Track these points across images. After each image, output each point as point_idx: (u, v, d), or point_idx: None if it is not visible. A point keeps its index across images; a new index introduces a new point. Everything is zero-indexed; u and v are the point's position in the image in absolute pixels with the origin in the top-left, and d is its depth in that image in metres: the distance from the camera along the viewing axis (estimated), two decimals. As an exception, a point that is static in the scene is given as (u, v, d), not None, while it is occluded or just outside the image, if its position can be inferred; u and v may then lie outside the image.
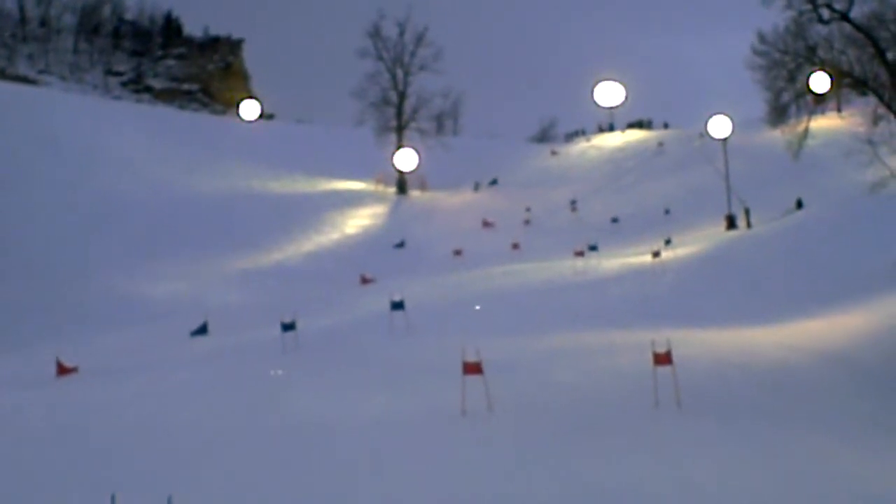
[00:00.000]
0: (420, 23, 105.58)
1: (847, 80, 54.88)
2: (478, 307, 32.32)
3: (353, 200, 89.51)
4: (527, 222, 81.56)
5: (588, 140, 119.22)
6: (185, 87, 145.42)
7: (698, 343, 29.92)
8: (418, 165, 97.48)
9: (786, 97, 60.61)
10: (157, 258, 65.74)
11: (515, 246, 67.95)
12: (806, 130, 60.36)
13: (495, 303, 43.90)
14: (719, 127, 72.39)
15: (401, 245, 74.70)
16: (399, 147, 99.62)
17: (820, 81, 56.54)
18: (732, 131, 72.48)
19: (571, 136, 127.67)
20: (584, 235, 65.20)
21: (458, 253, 66.67)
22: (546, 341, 32.69)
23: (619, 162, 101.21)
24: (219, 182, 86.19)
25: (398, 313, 38.67)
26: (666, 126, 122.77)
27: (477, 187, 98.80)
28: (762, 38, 60.52)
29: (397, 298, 39.31)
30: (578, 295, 44.39)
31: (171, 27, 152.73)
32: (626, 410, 22.36)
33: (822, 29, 53.01)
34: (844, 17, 48.60)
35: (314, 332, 37.79)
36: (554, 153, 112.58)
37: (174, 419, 23.80)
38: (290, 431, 21.69)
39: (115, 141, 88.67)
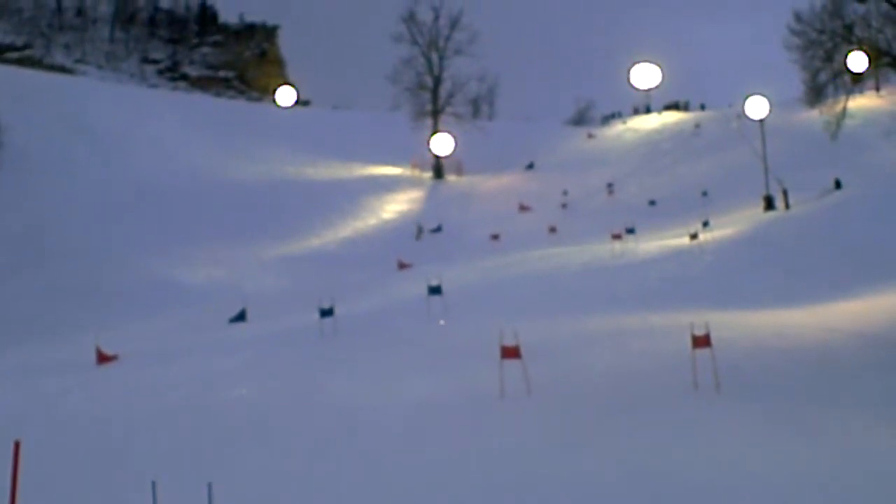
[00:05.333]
0: (455, 7, 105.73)
1: (885, 59, 54.55)
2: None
3: (389, 185, 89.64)
4: (564, 206, 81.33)
5: (624, 122, 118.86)
6: (221, 74, 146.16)
7: (737, 325, 29.81)
8: (454, 150, 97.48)
9: (823, 77, 60.39)
10: (194, 245, 66.03)
11: (553, 229, 67.83)
12: (844, 110, 60.06)
13: (533, 286, 43.89)
14: (756, 107, 71.92)
15: (437, 230, 74.67)
16: (435, 132, 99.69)
17: (857, 60, 56.23)
18: (770, 112, 72.01)
19: (608, 119, 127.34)
20: (621, 218, 64.91)
21: (495, 237, 66.71)
22: (584, 324, 32.66)
23: (655, 144, 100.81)
24: (255, 169, 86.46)
25: (436, 298, 38.68)
26: (703, 107, 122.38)
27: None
28: (798, 17, 60.29)
29: (434, 283, 39.31)
30: (616, 278, 44.27)
31: (206, 15, 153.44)
32: (665, 393, 22.32)
33: (858, 7, 52.86)
34: (882, -5, 48.29)
35: (352, 318, 37.85)
36: (590, 136, 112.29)
37: (214, 405, 23.95)
38: (330, 416, 21.78)
39: (151, 129, 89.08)
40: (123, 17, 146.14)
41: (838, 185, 62.06)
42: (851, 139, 67.56)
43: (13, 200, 69.98)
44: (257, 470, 17.67)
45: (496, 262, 53.63)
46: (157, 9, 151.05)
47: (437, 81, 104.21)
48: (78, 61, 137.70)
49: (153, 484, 13.37)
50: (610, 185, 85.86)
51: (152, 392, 26.57)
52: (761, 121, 70.36)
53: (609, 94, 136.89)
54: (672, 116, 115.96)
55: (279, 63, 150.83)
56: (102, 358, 35.26)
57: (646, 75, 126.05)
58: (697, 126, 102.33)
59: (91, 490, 17.22)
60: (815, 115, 65.07)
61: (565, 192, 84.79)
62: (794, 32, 61.22)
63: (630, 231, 57.96)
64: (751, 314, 33.32)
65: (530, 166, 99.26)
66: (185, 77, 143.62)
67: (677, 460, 16.93)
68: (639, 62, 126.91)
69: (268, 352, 33.46)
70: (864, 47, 54.44)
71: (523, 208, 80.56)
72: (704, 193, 74.93)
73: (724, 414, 20.35)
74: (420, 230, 74.54)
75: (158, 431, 21.49)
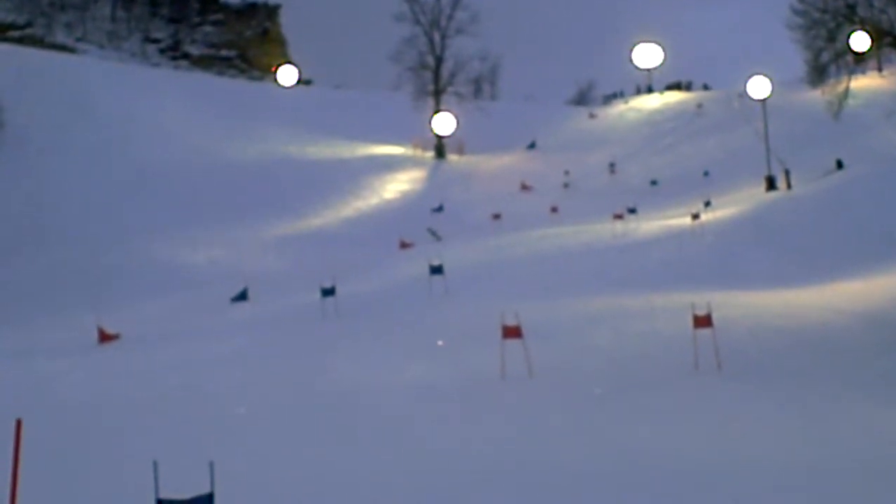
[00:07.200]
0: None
1: (887, 39, 54.41)
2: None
3: (391, 165, 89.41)
4: (565, 185, 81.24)
5: (626, 102, 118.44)
6: (223, 53, 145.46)
7: (738, 305, 29.80)
8: (456, 129, 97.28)
9: (825, 57, 60.20)
10: (196, 225, 65.95)
11: (554, 209, 67.71)
12: (846, 90, 59.90)
13: (534, 266, 43.86)
14: (758, 87, 71.66)
15: (439, 209, 74.42)
16: (437, 111, 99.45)
17: (860, 40, 56.08)
18: (772, 92, 71.78)
19: (610, 99, 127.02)
20: (622, 198, 64.88)
21: (496, 217, 66.58)
22: (585, 305, 32.63)
23: (657, 124, 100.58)
24: (257, 148, 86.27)
25: (437, 278, 38.64)
26: (705, 87, 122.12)
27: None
28: (801, -3, 60.05)
29: (436, 263, 39.26)
30: (617, 258, 44.24)
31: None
32: (667, 373, 22.34)
33: (861, -13, 52.58)
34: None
35: (353, 298, 37.82)
36: (592, 116, 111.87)
37: (215, 385, 23.95)
38: (331, 396, 21.78)
39: (152, 108, 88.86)
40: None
41: (840, 165, 61.98)
42: (853, 119, 67.43)
43: (13, 180, 69.95)
44: (258, 451, 17.65)
45: (497, 242, 53.51)
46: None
47: (439, 61, 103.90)
48: (79, 40, 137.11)
49: (155, 464, 13.36)
50: (612, 165, 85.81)
51: (154, 372, 26.56)
52: (763, 101, 70.19)
53: (611, 74, 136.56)
54: (674, 96, 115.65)
55: (281, 42, 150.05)
56: (104, 337, 35.23)
57: (648, 55, 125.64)
58: (699, 106, 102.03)
59: (92, 470, 17.18)
60: (817, 96, 64.90)
61: (567, 172, 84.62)
62: (796, 12, 60.98)
63: (632, 211, 57.98)
64: (752, 294, 33.30)
65: (532, 146, 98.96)
66: (186, 56, 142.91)
67: (678, 441, 16.92)
68: (641, 42, 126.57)
69: (269, 332, 33.44)
70: (867, 27, 54.28)
71: (525, 188, 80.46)
72: (706, 173, 74.90)
73: (725, 394, 20.38)
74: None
75: (160, 412, 21.46)
